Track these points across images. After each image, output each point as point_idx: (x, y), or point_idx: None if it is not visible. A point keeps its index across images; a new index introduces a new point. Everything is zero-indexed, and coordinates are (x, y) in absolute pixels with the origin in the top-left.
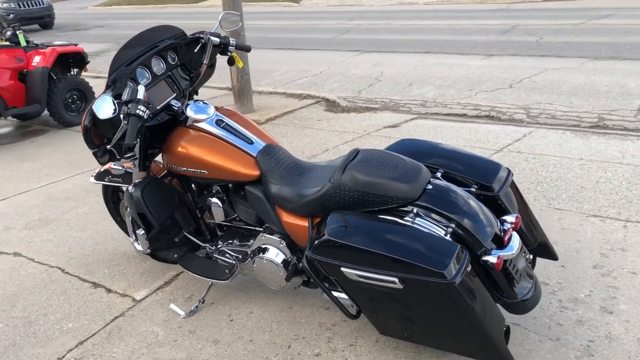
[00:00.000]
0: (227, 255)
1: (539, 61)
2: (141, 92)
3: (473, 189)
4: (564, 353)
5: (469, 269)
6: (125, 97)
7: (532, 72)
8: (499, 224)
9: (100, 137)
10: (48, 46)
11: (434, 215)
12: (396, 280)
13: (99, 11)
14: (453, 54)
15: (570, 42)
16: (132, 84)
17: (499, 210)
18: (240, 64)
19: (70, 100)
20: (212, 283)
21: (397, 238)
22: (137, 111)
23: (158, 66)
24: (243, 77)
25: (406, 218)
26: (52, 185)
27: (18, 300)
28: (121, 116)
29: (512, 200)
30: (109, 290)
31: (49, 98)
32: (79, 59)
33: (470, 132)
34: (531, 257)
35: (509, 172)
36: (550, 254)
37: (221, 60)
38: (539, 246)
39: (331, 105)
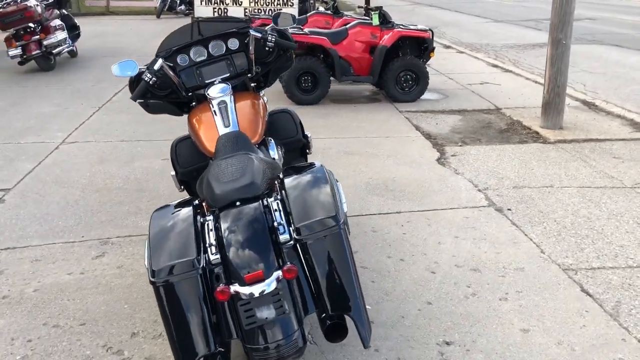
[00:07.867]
0: None
1: None
2: (158, 64)
3: (276, 224)
4: None
5: (189, 282)
6: (147, 65)
7: None
8: (274, 266)
9: None
10: (398, 28)
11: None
12: None
13: None
14: None
15: None
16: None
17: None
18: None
19: (403, 78)
20: None
21: (170, 230)
22: (144, 77)
23: (218, 48)
24: (554, 90)
25: (207, 220)
26: None
27: (137, 190)
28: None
29: (321, 253)
30: None
31: (382, 73)
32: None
33: None
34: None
35: (337, 227)
36: (359, 333)
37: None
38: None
39: None
